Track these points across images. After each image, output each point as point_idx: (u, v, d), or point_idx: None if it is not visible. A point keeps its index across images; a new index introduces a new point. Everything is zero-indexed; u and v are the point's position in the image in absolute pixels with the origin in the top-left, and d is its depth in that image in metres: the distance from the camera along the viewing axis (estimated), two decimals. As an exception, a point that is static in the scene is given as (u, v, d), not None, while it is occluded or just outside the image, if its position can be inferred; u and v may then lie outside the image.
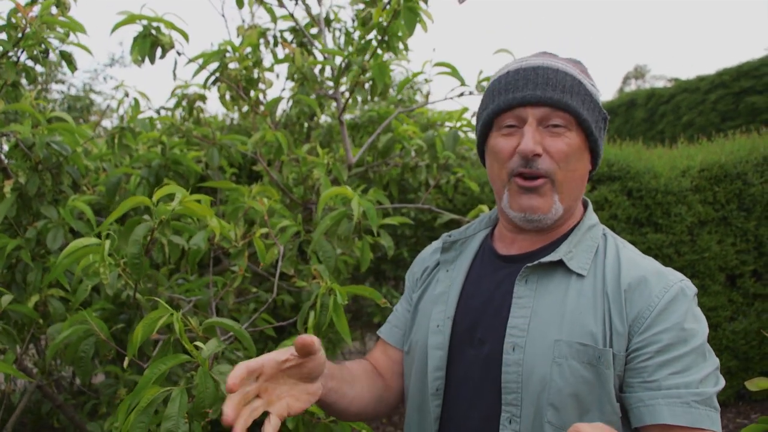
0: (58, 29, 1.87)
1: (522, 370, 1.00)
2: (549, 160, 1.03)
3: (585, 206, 1.18)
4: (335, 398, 1.08)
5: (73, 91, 8.62)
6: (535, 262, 1.05)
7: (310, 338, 0.92)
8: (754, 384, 1.38)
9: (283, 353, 0.94)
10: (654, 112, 10.98)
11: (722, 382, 0.98)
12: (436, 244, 1.31)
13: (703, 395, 0.94)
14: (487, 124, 1.12)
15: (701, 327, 0.99)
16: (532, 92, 1.03)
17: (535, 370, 0.99)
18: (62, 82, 8.34)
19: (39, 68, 1.96)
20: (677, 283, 1.00)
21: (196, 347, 1.20)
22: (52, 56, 1.92)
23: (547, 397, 0.97)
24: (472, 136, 2.73)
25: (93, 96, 8.87)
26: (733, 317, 3.70)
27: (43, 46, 1.87)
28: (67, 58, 1.99)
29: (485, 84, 2.33)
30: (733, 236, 3.70)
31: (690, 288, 1.01)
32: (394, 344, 1.28)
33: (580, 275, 1.04)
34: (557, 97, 1.02)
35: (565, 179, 1.05)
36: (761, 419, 1.32)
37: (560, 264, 1.05)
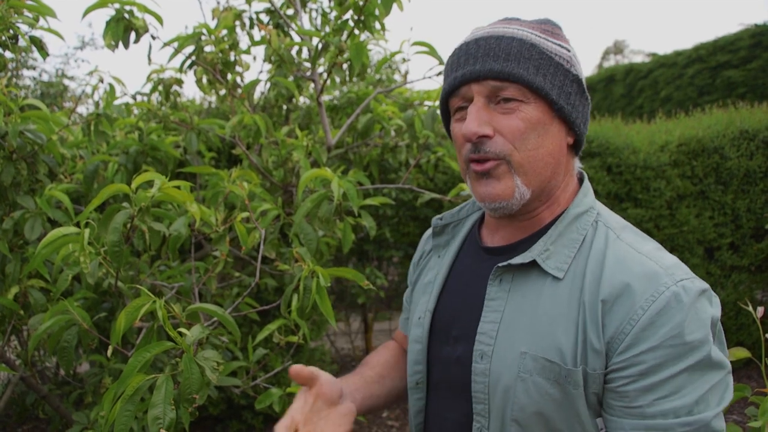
0: (27, 13, 1.82)
1: (488, 381, 0.91)
2: (502, 141, 0.90)
3: (581, 181, 1.02)
4: (371, 403, 1.12)
5: (45, 77, 8.44)
6: (505, 263, 0.94)
7: (299, 367, 0.98)
8: (732, 354, 1.41)
9: (302, 399, 0.99)
10: (632, 88, 11.04)
11: (730, 394, 0.83)
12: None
13: (698, 423, 0.79)
14: (444, 112, 1.02)
15: (705, 333, 0.81)
16: (471, 67, 0.91)
17: (500, 383, 0.90)
18: (33, 68, 8.17)
19: (9, 54, 1.91)
20: (671, 287, 0.82)
21: (180, 334, 1.20)
22: (22, 42, 1.88)
23: (510, 413, 0.89)
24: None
25: (66, 81, 8.69)
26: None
27: (11, 31, 1.82)
28: (38, 43, 1.94)
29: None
30: (710, 210, 3.76)
31: (689, 290, 0.82)
32: (405, 334, 1.26)
33: (556, 277, 0.91)
34: (498, 68, 0.89)
35: (524, 160, 0.91)
36: (737, 386, 1.36)
37: (536, 263, 0.93)
